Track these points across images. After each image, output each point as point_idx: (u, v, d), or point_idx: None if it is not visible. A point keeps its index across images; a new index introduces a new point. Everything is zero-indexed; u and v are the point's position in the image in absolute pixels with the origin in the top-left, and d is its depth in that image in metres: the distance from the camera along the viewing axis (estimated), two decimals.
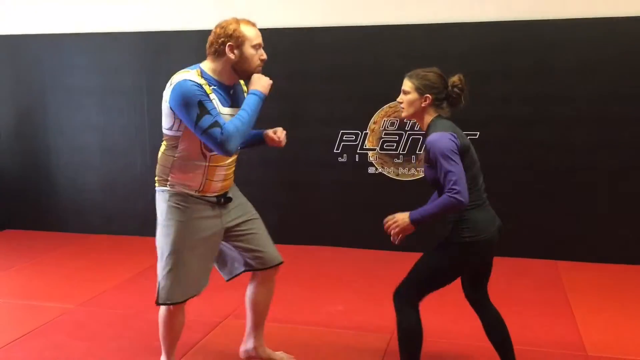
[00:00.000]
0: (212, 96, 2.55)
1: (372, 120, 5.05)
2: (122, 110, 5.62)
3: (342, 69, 5.06)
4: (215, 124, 2.46)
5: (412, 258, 4.75)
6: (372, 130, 5.06)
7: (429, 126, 2.70)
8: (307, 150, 5.21)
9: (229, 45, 2.55)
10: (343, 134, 5.12)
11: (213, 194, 2.74)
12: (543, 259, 4.81)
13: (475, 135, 4.81)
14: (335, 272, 4.60)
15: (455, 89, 2.67)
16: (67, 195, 5.89)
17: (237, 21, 2.58)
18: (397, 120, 4.99)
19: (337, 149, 5.15)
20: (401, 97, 2.74)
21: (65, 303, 3.96)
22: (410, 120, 4.92)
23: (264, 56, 2.68)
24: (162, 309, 2.73)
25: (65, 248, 5.38)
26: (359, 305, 3.89)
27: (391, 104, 4.97)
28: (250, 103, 2.60)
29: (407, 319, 2.69)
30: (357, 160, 5.13)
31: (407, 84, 2.70)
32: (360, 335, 3.43)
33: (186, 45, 5.35)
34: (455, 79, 2.67)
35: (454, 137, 2.58)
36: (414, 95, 2.67)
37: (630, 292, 4.12)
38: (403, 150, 5.03)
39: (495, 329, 2.81)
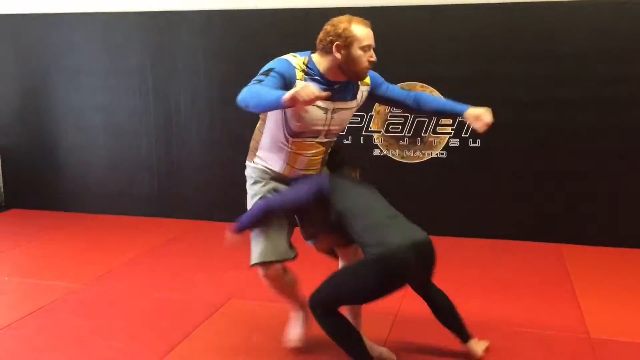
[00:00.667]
0: (303, 83, 2.38)
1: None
2: (126, 91, 5.61)
3: None
4: (253, 82, 2.48)
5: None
6: (378, 113, 5.04)
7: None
8: None
9: (337, 44, 2.51)
10: None
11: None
12: (546, 242, 4.81)
13: None
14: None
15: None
16: (72, 175, 5.91)
17: (350, 20, 2.55)
18: None
19: (343, 131, 5.12)
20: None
21: (70, 282, 3.99)
22: None
23: (373, 58, 2.60)
24: (260, 273, 2.80)
25: (70, 228, 5.40)
26: None
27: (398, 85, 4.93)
28: (270, 93, 2.37)
29: (329, 324, 2.68)
30: (362, 142, 5.12)
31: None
32: (364, 316, 3.43)
33: (191, 25, 5.33)
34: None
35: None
36: None
37: (634, 276, 4.12)
38: (408, 132, 5.01)
39: (443, 311, 2.92)
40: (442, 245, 4.73)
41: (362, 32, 2.54)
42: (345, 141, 5.11)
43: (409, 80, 4.89)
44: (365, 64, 2.57)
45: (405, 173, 5.05)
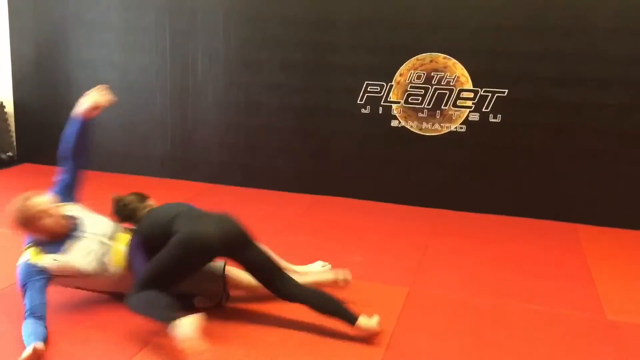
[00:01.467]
0: None
1: (398, 72, 4.94)
2: (143, 48, 5.53)
3: (370, 17, 4.93)
4: None
5: (432, 214, 4.80)
6: (398, 83, 4.96)
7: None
8: (330, 100, 5.13)
9: None
10: (368, 84, 5.02)
11: None
12: (563, 221, 4.78)
13: (504, 92, 4.73)
14: (353, 224, 4.58)
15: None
16: None
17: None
18: (424, 74, 4.88)
19: (361, 100, 5.06)
20: None
21: None
22: (437, 74, 4.83)
23: None
24: None
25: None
26: (378, 258, 3.88)
27: (419, 56, 4.85)
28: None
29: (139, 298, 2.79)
30: (380, 112, 5.05)
31: None
32: (378, 287, 3.43)
33: None
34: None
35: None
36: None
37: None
38: (428, 104, 4.94)
39: (316, 300, 2.86)
40: (458, 220, 4.80)
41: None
42: (363, 110, 5.05)
43: (431, 51, 4.81)
44: None
45: (422, 145, 4.99)
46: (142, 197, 3.18)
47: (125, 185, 5.43)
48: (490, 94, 4.78)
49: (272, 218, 4.63)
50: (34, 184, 5.33)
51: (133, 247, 2.96)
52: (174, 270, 2.81)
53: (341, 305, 2.83)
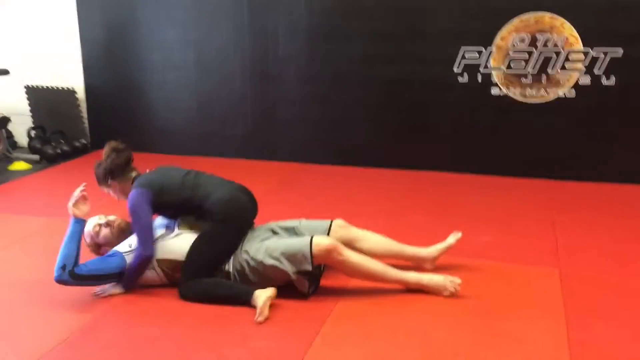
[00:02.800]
0: None
1: (499, 36, 4.60)
2: (220, 27, 5.26)
3: None
4: None
5: (544, 186, 4.49)
6: (499, 47, 4.62)
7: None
8: (424, 69, 4.82)
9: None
10: (465, 51, 4.69)
11: None
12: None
13: (618, 52, 4.37)
14: (464, 200, 4.29)
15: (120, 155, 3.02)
16: (161, 114, 5.66)
17: None
18: (527, 36, 4.53)
19: (457, 68, 4.74)
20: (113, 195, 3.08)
21: None
22: (543, 36, 4.48)
23: None
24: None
25: None
26: (507, 237, 3.59)
27: (522, 17, 4.50)
28: None
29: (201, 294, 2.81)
30: (479, 80, 4.72)
31: (106, 186, 3.05)
32: (524, 269, 3.15)
33: None
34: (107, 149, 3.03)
35: (145, 192, 2.88)
36: (110, 189, 3.05)
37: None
38: (533, 69, 4.59)
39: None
40: (575, 191, 4.48)
41: None
42: (460, 79, 4.73)
43: (536, 10, 4.45)
44: None
45: (526, 114, 4.67)
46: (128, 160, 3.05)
47: (203, 167, 5.21)
48: (603, 55, 4.43)
49: (375, 197, 4.38)
50: None
51: (141, 201, 2.85)
52: (225, 249, 2.84)
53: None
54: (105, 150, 3.02)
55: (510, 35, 4.58)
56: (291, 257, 2.71)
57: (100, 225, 2.99)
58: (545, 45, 4.53)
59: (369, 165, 5.08)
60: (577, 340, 2.46)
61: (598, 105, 4.52)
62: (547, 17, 4.46)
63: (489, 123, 4.78)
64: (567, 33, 4.46)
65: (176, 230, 2.94)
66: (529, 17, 4.50)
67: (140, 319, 2.70)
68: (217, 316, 2.70)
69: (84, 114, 5.89)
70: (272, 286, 2.72)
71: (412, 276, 2.85)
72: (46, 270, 2.86)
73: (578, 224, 3.80)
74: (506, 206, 4.15)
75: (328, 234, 2.95)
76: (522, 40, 4.57)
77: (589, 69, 4.47)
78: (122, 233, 2.99)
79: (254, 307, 2.66)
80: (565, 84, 4.56)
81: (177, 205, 2.92)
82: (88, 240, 3.00)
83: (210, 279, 2.80)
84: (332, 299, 2.84)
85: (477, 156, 4.87)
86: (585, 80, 4.50)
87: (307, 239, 2.74)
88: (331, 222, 3.03)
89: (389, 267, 2.86)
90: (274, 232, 2.98)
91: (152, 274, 2.87)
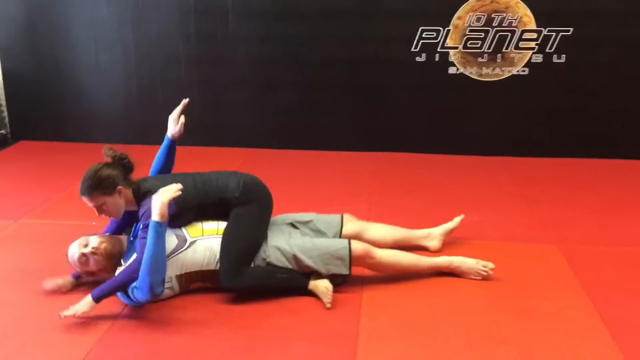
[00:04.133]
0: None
1: (455, 16, 4.63)
2: (163, 3, 4.87)
3: None
4: None
5: (504, 163, 4.60)
6: (456, 27, 4.65)
7: (138, 197, 2.64)
8: (382, 49, 4.75)
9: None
10: (423, 30, 4.68)
11: None
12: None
13: (568, 31, 4.55)
14: (436, 180, 4.29)
15: (125, 161, 2.68)
16: (94, 100, 5.16)
17: None
18: (484, 15, 4.58)
19: (415, 48, 4.72)
20: (99, 213, 2.62)
21: None
22: (498, 15, 4.56)
23: None
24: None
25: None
26: (493, 215, 3.64)
27: None
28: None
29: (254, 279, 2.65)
30: (436, 59, 4.74)
31: (93, 200, 2.57)
32: (524, 247, 3.20)
33: None
34: (114, 154, 2.67)
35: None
36: (109, 199, 2.58)
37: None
38: (488, 48, 4.67)
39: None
40: (534, 167, 4.63)
41: None
42: (418, 59, 4.72)
43: None
44: None
45: (482, 92, 4.75)
46: (127, 169, 2.68)
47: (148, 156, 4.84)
48: (554, 34, 4.58)
49: (345, 181, 4.28)
50: (35, 167, 4.70)
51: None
52: (261, 229, 2.74)
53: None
54: (109, 154, 2.65)
55: (467, 14, 4.62)
56: (328, 260, 2.64)
57: (85, 255, 2.59)
58: (500, 24, 4.62)
59: (328, 149, 4.96)
60: (609, 316, 2.52)
61: (550, 83, 4.69)
62: None
63: (446, 102, 4.82)
64: (521, 12, 4.57)
65: (188, 238, 2.64)
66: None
67: (164, 330, 2.44)
68: (244, 323, 2.50)
69: (2, 101, 5.26)
70: None
71: (444, 260, 2.84)
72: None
73: (548, 198, 3.93)
74: (476, 184, 4.21)
75: (341, 228, 2.95)
76: (479, 20, 4.63)
77: (541, 48, 4.63)
78: (111, 256, 2.62)
79: (309, 293, 2.63)
80: (519, 62, 4.69)
81: (196, 207, 2.69)
82: (78, 269, 2.65)
83: (264, 266, 2.65)
84: (356, 289, 2.73)
85: (436, 136, 4.90)
86: (538, 58, 4.66)
87: (343, 243, 2.69)
88: (341, 216, 3.02)
89: (420, 256, 2.84)
90: (294, 226, 2.87)
91: (167, 292, 2.57)
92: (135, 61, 5.02)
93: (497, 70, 4.72)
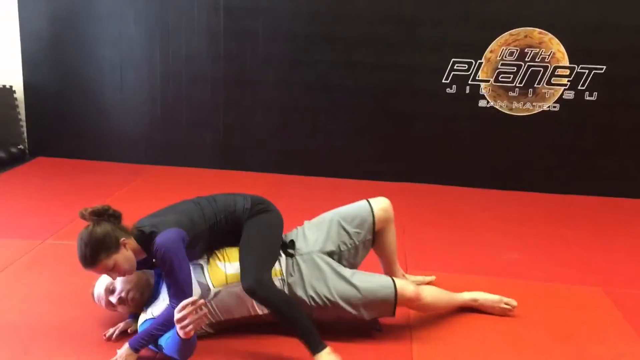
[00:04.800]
0: None
1: (488, 49, 4.60)
2: (191, 22, 4.81)
3: None
4: None
5: (536, 198, 4.53)
6: (488, 60, 4.62)
7: (144, 242, 2.33)
8: (413, 79, 4.71)
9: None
10: (454, 62, 4.65)
11: None
12: None
13: (602, 69, 4.53)
14: (466, 214, 4.22)
15: (109, 212, 2.31)
16: (116, 118, 5.09)
17: None
18: (517, 50, 4.56)
19: (447, 79, 4.68)
20: (116, 276, 2.31)
21: None
22: (531, 50, 4.53)
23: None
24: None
25: (110, 177, 4.68)
26: (532, 253, 3.56)
27: (512, 31, 4.52)
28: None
29: (276, 294, 2.35)
30: (467, 92, 4.70)
31: (102, 267, 2.24)
32: (567, 288, 3.12)
33: None
34: (94, 210, 2.27)
35: (179, 231, 2.36)
36: (117, 257, 2.24)
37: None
38: (520, 82, 4.64)
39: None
40: (567, 203, 4.57)
41: None
42: (449, 90, 4.68)
43: (526, 25, 4.49)
44: None
45: (513, 126, 4.70)
46: (116, 218, 2.34)
47: (168, 176, 4.77)
48: (587, 71, 4.56)
49: None
50: (55, 184, 4.60)
51: (179, 245, 2.27)
52: (277, 241, 2.56)
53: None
54: (89, 212, 2.26)
55: (500, 48, 4.59)
56: (369, 304, 2.46)
57: (112, 304, 2.45)
58: (533, 59, 4.60)
59: (352, 177, 4.89)
60: None
61: (580, 119, 4.66)
62: (536, 32, 4.52)
63: (476, 134, 4.77)
64: (554, 49, 4.55)
65: (212, 287, 2.42)
66: (519, 31, 4.54)
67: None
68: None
69: (22, 115, 5.17)
70: None
71: (469, 297, 2.80)
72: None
73: (585, 238, 3.85)
74: (509, 220, 4.14)
75: (373, 220, 2.70)
76: (511, 54, 4.60)
77: (573, 84, 4.60)
78: (140, 304, 2.46)
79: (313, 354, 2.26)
80: (550, 97, 4.65)
81: (207, 233, 2.44)
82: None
83: (291, 298, 2.43)
84: (403, 331, 2.63)
85: (464, 168, 4.84)
86: (569, 95, 4.63)
87: (389, 287, 2.46)
88: (369, 205, 2.76)
89: (452, 293, 2.75)
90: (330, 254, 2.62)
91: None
92: (160, 81, 4.95)
93: (528, 105, 4.69)
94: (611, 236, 3.91)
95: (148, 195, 4.33)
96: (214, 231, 2.47)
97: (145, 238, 2.30)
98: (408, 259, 3.38)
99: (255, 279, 2.29)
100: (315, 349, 2.23)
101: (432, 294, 2.64)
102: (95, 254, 2.19)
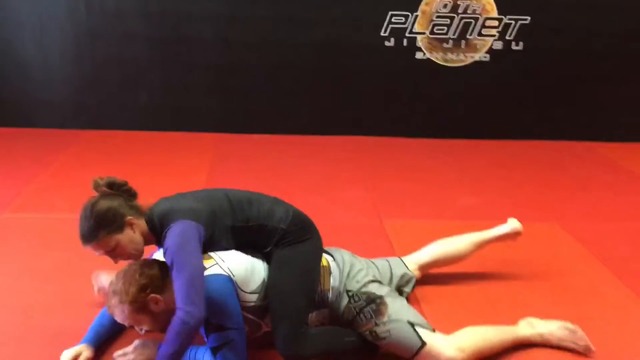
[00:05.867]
0: None
1: (424, 1, 4.70)
2: None
3: None
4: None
5: (477, 144, 4.77)
6: (424, 12, 4.73)
7: (154, 227, 2.04)
8: (351, 33, 4.73)
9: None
10: (392, 15, 4.71)
11: None
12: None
13: (527, 19, 4.79)
14: (416, 163, 4.38)
15: (124, 187, 2.08)
16: (33, 78, 4.70)
17: None
18: (450, 2, 4.71)
19: (385, 32, 4.75)
20: (118, 259, 2.04)
21: None
22: (464, 2, 4.70)
23: None
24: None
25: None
26: (485, 197, 3.79)
27: None
28: None
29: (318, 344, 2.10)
30: (405, 44, 4.80)
31: (102, 245, 1.97)
32: (532, 225, 3.33)
33: None
34: (108, 182, 2.05)
35: (196, 225, 2.02)
36: (120, 238, 1.97)
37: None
38: (454, 34, 4.81)
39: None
40: (505, 149, 4.80)
41: None
42: (387, 43, 4.75)
43: None
44: None
45: (448, 77, 4.88)
46: (130, 195, 2.09)
47: (101, 140, 4.49)
48: (513, 22, 4.80)
49: (331, 166, 4.24)
50: None
51: (191, 236, 1.95)
52: (316, 279, 2.16)
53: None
54: (101, 183, 2.04)
55: (435, 0, 4.72)
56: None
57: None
58: (465, 11, 4.77)
59: (296, 133, 4.89)
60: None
61: (509, 68, 4.92)
62: None
63: (414, 86, 4.90)
64: (484, 0, 4.74)
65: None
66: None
67: None
68: None
69: None
70: None
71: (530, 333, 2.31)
72: None
73: (532, 179, 4.15)
74: (458, 167, 4.35)
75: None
76: (445, 6, 4.75)
77: (501, 35, 4.84)
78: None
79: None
80: (482, 48, 4.87)
81: (229, 230, 2.08)
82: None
83: (329, 328, 2.17)
84: None
85: (406, 119, 4.98)
86: (498, 45, 4.86)
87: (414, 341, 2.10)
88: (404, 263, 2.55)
89: (499, 326, 2.32)
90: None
91: None
92: (88, 39, 4.62)
93: (461, 56, 4.88)
94: (555, 176, 4.24)
95: (91, 162, 4.11)
96: (235, 234, 2.11)
97: (156, 223, 2.02)
98: (379, 207, 3.50)
99: (294, 341, 2.02)
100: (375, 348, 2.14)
101: (477, 343, 2.16)
102: (94, 228, 1.93)
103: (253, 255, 2.11)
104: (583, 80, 4.96)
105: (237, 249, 2.10)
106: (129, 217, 1.99)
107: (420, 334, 2.08)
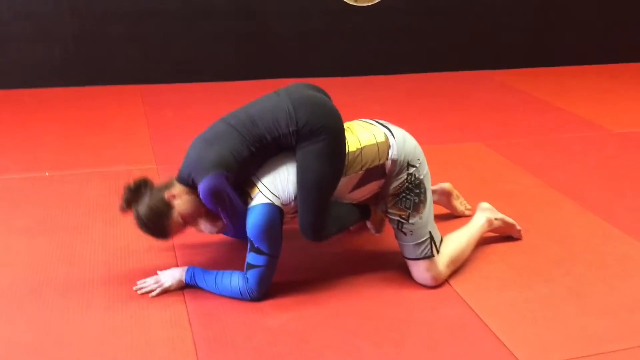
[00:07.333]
0: None
1: None
2: None
3: None
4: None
5: (389, 79, 5.09)
6: None
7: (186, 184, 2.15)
8: None
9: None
10: None
11: None
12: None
13: None
14: (335, 100, 4.58)
15: (140, 182, 2.16)
16: None
17: None
18: None
19: None
20: (199, 227, 2.21)
21: None
22: None
23: None
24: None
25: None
26: (414, 124, 4.03)
27: None
28: None
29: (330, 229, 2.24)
30: None
31: (176, 229, 2.15)
32: (454, 147, 3.76)
33: None
34: (134, 189, 2.14)
35: (220, 175, 2.05)
36: (178, 211, 2.10)
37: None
38: None
39: None
40: (409, 80, 5.19)
41: None
42: None
43: None
44: None
45: (359, 17, 5.12)
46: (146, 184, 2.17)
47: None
48: None
49: None
50: None
51: (222, 186, 2.02)
52: (341, 166, 2.17)
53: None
54: (134, 185, 2.12)
55: None
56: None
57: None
58: None
59: (214, 80, 4.93)
60: (560, 188, 3.21)
61: (413, 5, 5.25)
62: None
63: (328, 27, 5.10)
64: None
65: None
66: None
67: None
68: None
69: None
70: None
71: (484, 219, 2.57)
72: None
73: (447, 107, 4.56)
74: (378, 101, 4.63)
75: None
76: None
77: None
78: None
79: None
80: None
81: (255, 157, 2.11)
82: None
83: (340, 205, 2.26)
84: None
85: (321, 59, 5.19)
86: None
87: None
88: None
89: (469, 230, 2.51)
90: None
91: None
92: None
93: None
94: (468, 103, 4.69)
95: (13, 124, 3.94)
96: (260, 152, 2.13)
97: (186, 183, 2.11)
98: None
99: (320, 230, 2.16)
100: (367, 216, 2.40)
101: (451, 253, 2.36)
102: (159, 229, 2.09)
103: (287, 159, 2.15)
104: (475, 16, 5.44)
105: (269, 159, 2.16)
106: (166, 194, 2.09)
107: (432, 249, 2.26)
